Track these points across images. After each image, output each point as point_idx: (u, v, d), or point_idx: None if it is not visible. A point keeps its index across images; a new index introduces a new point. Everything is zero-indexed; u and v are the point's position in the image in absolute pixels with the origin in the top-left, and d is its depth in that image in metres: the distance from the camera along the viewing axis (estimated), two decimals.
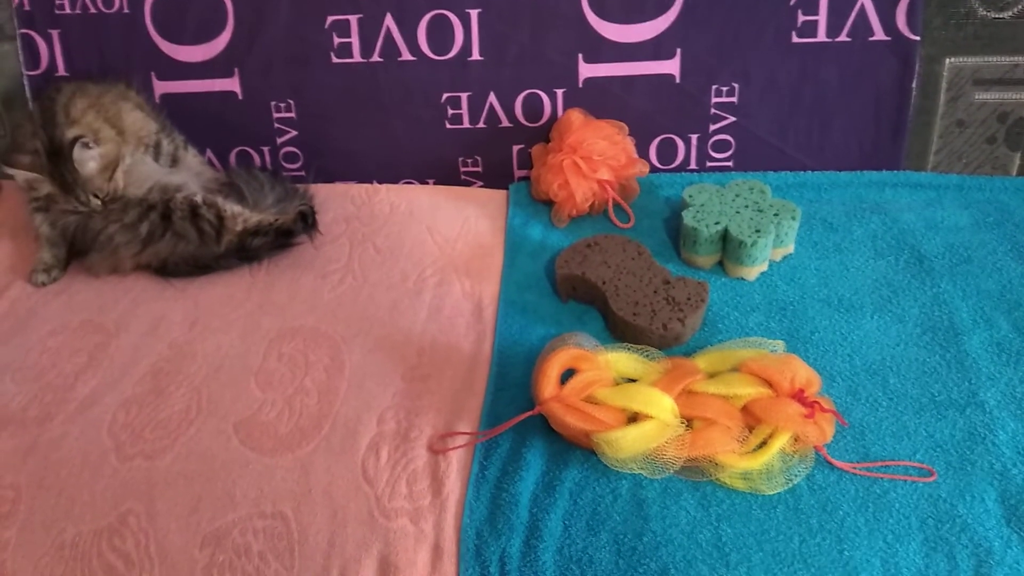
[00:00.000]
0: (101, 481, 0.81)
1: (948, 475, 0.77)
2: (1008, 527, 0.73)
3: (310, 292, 1.02)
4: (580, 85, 1.16)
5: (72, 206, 1.03)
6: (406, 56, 1.17)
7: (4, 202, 1.22)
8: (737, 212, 1.01)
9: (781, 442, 0.77)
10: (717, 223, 1.00)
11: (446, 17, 1.15)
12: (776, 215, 1.00)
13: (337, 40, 1.16)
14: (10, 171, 1.01)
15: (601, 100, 1.16)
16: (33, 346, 0.97)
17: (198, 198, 1.05)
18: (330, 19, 1.16)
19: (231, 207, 1.06)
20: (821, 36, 1.12)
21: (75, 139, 0.99)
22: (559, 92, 1.17)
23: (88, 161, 1.01)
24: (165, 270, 1.05)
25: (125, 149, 1.05)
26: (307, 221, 1.09)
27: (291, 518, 0.77)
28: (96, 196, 1.03)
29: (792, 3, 1.11)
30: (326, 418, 0.85)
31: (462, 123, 1.20)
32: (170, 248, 1.04)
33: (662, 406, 0.78)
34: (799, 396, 0.78)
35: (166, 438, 0.84)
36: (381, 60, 1.17)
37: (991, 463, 0.78)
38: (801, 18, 1.11)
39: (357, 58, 1.17)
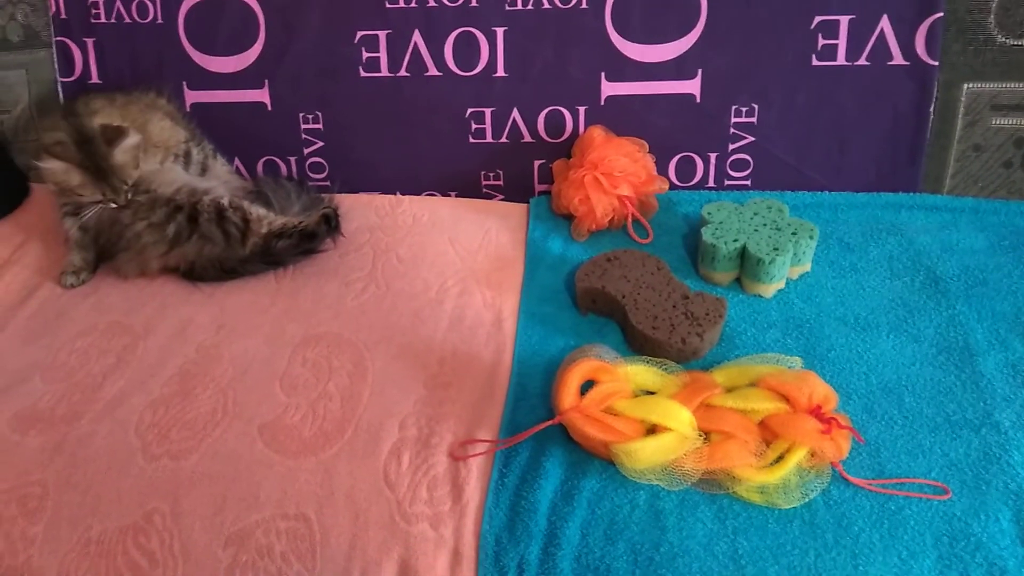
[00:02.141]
0: (127, 480, 0.83)
1: (963, 494, 0.78)
2: (1023, 547, 0.74)
3: (334, 299, 1.04)
4: (602, 103, 1.18)
5: (99, 197, 1.03)
6: (432, 71, 1.19)
7: (34, 206, 1.24)
8: (755, 230, 1.03)
9: (798, 457, 0.78)
10: (736, 240, 1.01)
11: (472, 34, 1.17)
12: (794, 234, 1.02)
13: (366, 54, 1.19)
14: (43, 163, 1.02)
15: (622, 118, 1.18)
16: (62, 346, 0.99)
17: (224, 201, 1.07)
18: (359, 34, 1.18)
19: (256, 210, 1.08)
20: (840, 60, 1.13)
21: (117, 128, 1.01)
22: (581, 109, 1.19)
23: (128, 148, 1.03)
24: (192, 274, 1.07)
25: (145, 152, 1.07)
26: (330, 224, 1.10)
27: (313, 520, 0.79)
28: (125, 184, 1.04)
29: (812, 27, 1.13)
30: (349, 423, 0.87)
31: (485, 137, 1.22)
32: (196, 250, 1.06)
33: (680, 419, 0.79)
34: (816, 412, 0.79)
35: (192, 439, 0.86)
36: (408, 75, 1.19)
37: (1006, 483, 0.78)
38: (821, 42, 1.13)
39: (384, 72, 1.20)
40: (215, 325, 1.00)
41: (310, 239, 1.08)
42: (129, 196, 1.05)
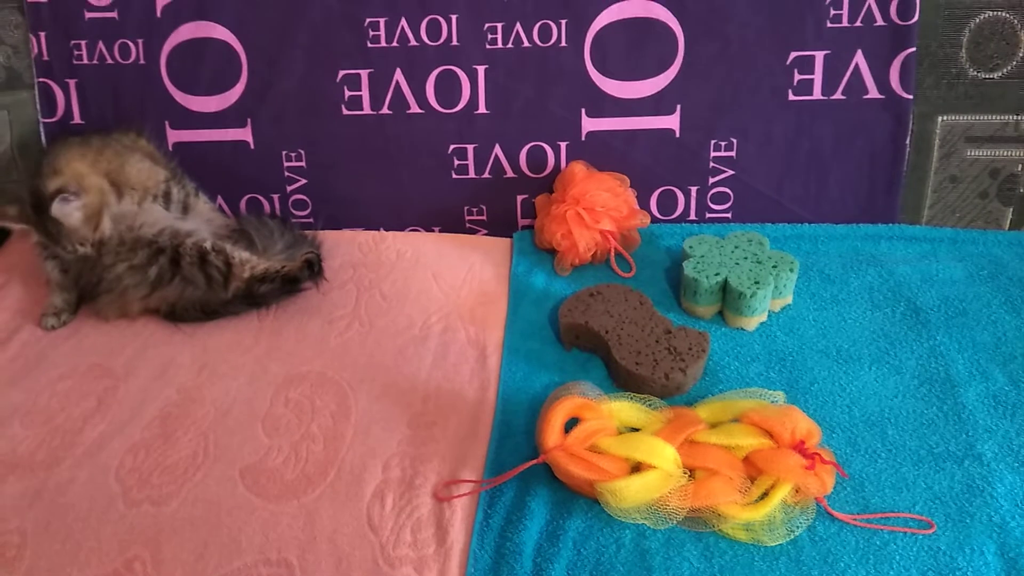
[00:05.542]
0: (108, 526, 0.81)
1: (947, 527, 0.78)
2: None
3: (317, 338, 1.03)
4: (583, 138, 1.20)
5: (62, 255, 1.05)
6: (414, 109, 1.20)
7: (15, 247, 1.24)
8: (736, 263, 1.03)
9: (783, 493, 0.77)
10: (717, 274, 1.02)
11: (454, 72, 1.18)
12: (775, 267, 1.02)
13: (348, 93, 1.20)
14: (4, 223, 1.03)
15: (603, 153, 1.19)
16: (42, 389, 0.98)
17: (207, 244, 1.07)
18: (342, 73, 1.19)
19: (239, 254, 1.08)
20: (817, 94, 1.15)
21: (55, 192, 1.01)
22: (562, 145, 1.20)
23: (72, 212, 1.02)
24: (174, 315, 1.06)
25: (112, 198, 1.07)
26: (313, 269, 1.10)
27: (296, 565, 0.77)
28: (82, 245, 1.04)
29: (788, 62, 1.15)
30: (332, 464, 0.86)
31: (468, 173, 1.23)
32: (178, 293, 1.06)
33: (665, 456, 0.79)
34: (800, 447, 0.79)
35: (173, 483, 0.85)
36: (390, 112, 1.20)
37: (990, 516, 0.78)
38: (797, 77, 1.15)
39: (367, 110, 1.20)
40: (197, 366, 1.00)
41: (293, 283, 1.08)
42: (92, 248, 1.05)
